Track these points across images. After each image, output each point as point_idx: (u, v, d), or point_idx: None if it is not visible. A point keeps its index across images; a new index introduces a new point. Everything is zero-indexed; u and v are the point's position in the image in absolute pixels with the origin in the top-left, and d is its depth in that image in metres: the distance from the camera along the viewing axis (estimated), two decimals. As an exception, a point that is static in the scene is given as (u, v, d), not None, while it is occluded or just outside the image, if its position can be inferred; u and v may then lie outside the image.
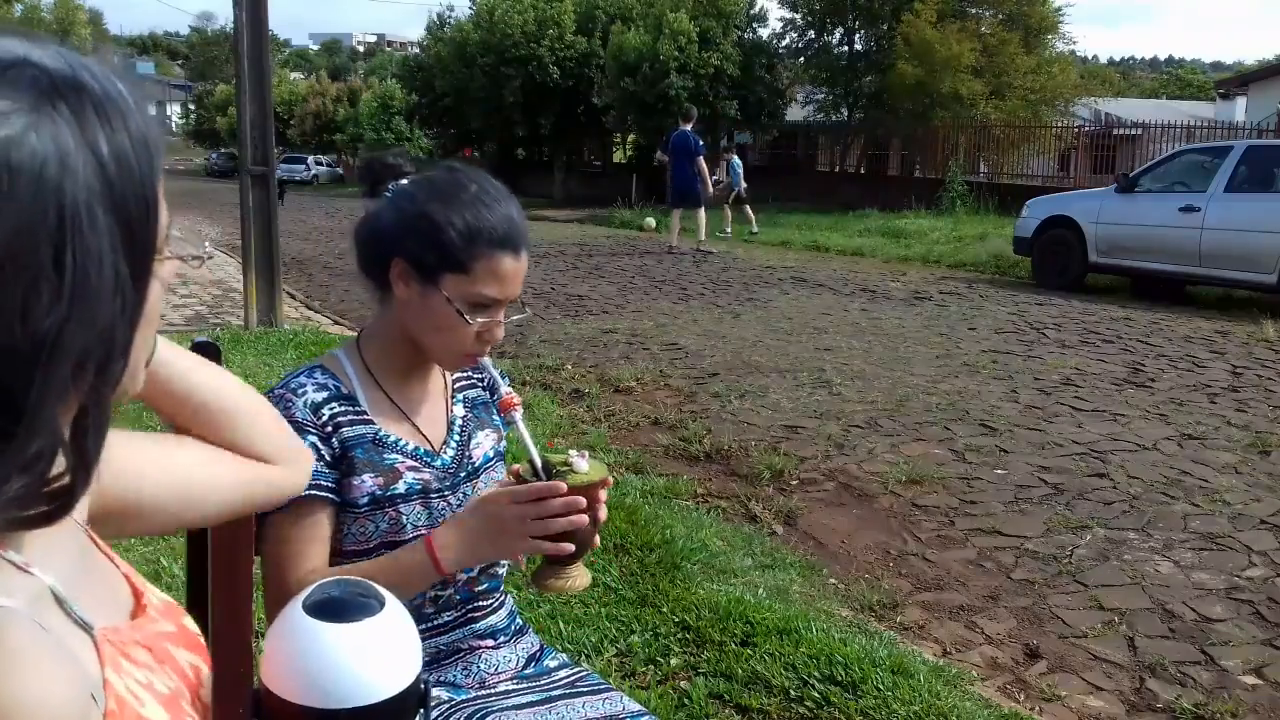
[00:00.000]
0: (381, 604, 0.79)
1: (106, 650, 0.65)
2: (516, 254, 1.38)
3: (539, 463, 1.33)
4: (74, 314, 0.55)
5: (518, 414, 1.39)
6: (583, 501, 1.31)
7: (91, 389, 0.60)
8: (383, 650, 0.78)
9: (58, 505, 0.61)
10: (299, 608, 0.78)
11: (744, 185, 17.37)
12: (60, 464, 0.60)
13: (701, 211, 14.19)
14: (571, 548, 1.32)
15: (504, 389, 1.43)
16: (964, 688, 2.75)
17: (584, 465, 1.34)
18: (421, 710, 0.82)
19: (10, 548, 0.62)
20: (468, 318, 1.36)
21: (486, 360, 1.64)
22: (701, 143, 14.37)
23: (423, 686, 0.81)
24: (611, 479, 1.40)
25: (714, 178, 15.82)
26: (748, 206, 17.43)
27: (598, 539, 1.42)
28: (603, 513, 1.39)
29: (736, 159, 17.80)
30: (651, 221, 18.29)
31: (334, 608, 0.78)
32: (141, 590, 0.77)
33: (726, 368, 6.95)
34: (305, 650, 0.76)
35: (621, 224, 19.49)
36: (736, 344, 7.82)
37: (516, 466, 1.43)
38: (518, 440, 1.40)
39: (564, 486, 1.28)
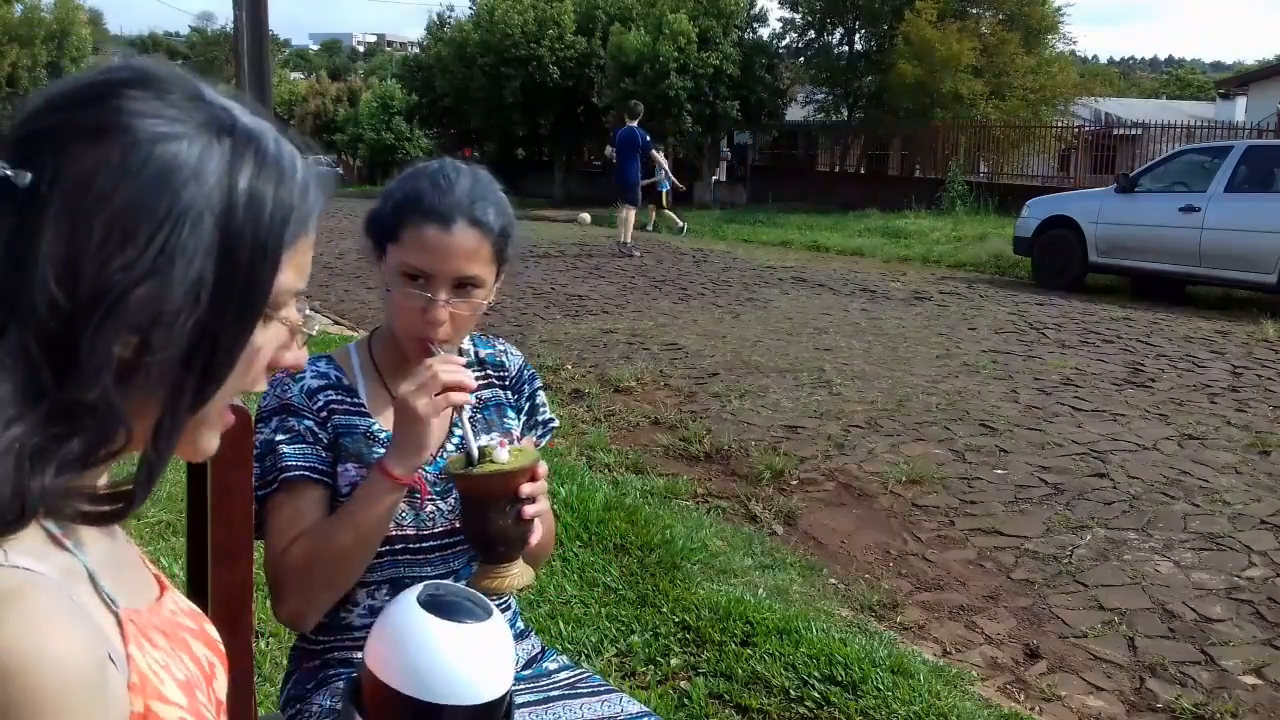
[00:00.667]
0: (489, 613, 0.82)
1: (130, 629, 0.68)
2: (445, 226, 1.35)
3: (475, 454, 1.31)
4: (144, 283, 0.62)
5: (465, 412, 1.35)
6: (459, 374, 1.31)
7: (169, 401, 0.66)
8: (485, 656, 0.81)
9: (119, 508, 0.67)
10: (412, 599, 0.81)
11: (669, 185, 17.64)
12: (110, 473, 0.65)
13: (633, 211, 14.37)
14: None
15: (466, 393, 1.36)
16: (964, 688, 2.75)
17: (503, 455, 1.31)
18: None
19: (51, 521, 0.66)
20: (389, 285, 1.37)
21: (517, 358, 1.63)
22: (649, 138, 14.55)
23: (508, 702, 0.83)
24: (541, 468, 1.35)
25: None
26: (666, 210, 17.68)
27: (535, 536, 1.35)
28: (531, 508, 1.32)
29: (663, 158, 18.00)
30: (586, 217, 18.50)
31: (445, 607, 0.81)
32: (166, 586, 0.82)
33: (726, 368, 6.95)
34: (412, 641, 0.80)
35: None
36: (736, 344, 7.82)
37: (452, 455, 1.43)
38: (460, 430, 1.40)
39: (451, 358, 1.34)
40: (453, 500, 1.46)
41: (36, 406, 0.60)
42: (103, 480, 0.71)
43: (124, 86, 0.65)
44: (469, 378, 1.33)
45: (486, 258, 1.38)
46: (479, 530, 1.34)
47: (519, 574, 1.34)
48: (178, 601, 0.82)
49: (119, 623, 0.68)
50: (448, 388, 1.30)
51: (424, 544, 1.45)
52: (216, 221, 0.65)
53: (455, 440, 1.49)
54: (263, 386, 0.76)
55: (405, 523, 1.42)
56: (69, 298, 0.61)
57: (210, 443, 0.75)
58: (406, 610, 0.80)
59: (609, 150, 16.73)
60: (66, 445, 0.61)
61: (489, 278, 1.40)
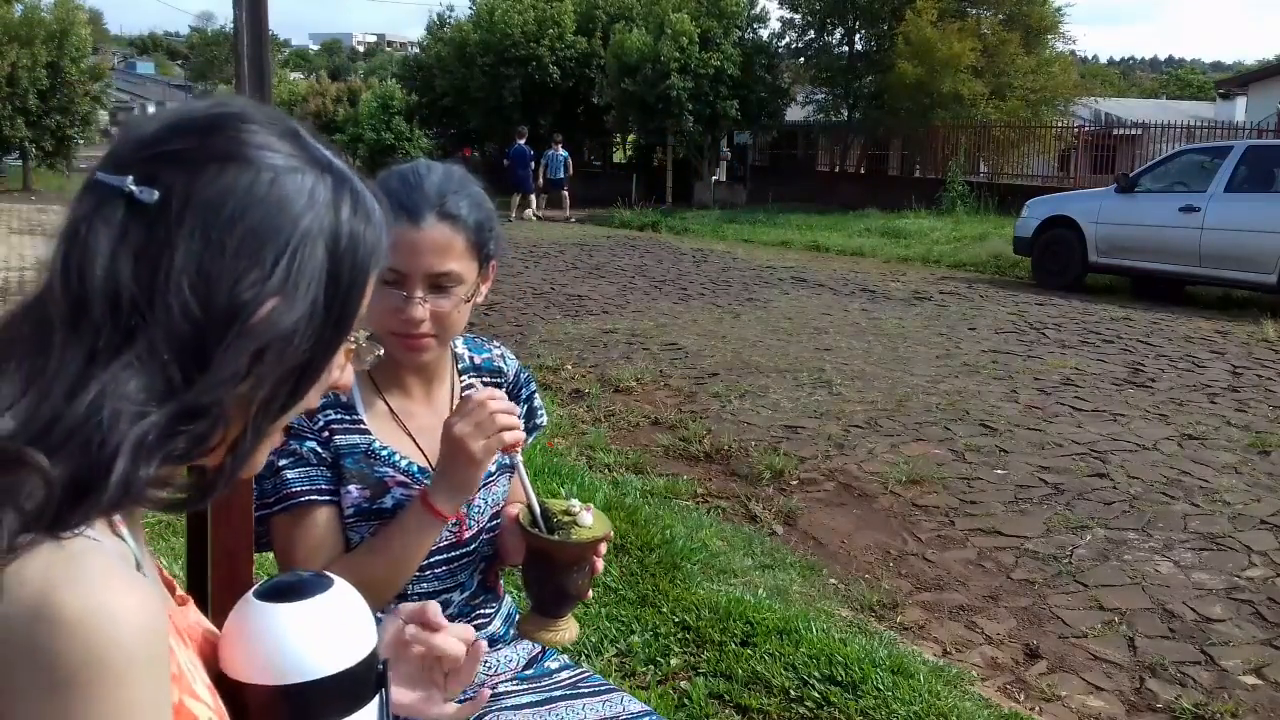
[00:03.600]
0: (330, 585, 0.81)
1: (168, 623, 0.69)
2: (414, 221, 1.30)
3: (538, 510, 1.32)
4: (272, 302, 0.68)
5: (519, 457, 1.35)
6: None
7: (261, 405, 0.70)
8: (330, 626, 0.79)
9: (195, 495, 0.72)
10: (249, 594, 0.81)
11: (559, 178, 21.09)
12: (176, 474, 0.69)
13: (533, 196, 20.74)
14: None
15: (520, 438, 1.38)
16: (964, 688, 2.75)
17: (588, 519, 1.32)
18: (381, 690, 0.83)
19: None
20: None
21: (513, 362, 1.61)
22: (531, 152, 20.66)
23: (380, 666, 0.82)
24: (612, 533, 1.38)
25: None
26: (559, 195, 21.13)
27: (590, 591, 1.39)
28: (599, 565, 1.37)
29: (558, 153, 21.26)
30: (530, 214, 20.78)
31: (281, 590, 0.81)
32: (187, 600, 0.83)
33: (726, 368, 6.95)
34: (253, 631, 0.79)
35: (621, 224, 19.49)
36: (736, 344, 7.82)
37: (515, 511, 1.40)
38: (520, 483, 1.38)
39: (500, 393, 1.31)
40: (460, 513, 1.44)
41: (164, 404, 0.65)
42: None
43: (241, 120, 0.71)
44: (517, 414, 1.31)
45: (462, 252, 1.34)
46: (556, 588, 1.34)
47: (570, 627, 1.37)
48: (200, 619, 0.84)
49: None
50: (503, 428, 1.28)
51: (430, 558, 1.43)
52: (326, 248, 0.71)
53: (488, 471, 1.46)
54: (316, 403, 0.79)
55: None
56: (202, 307, 0.66)
57: (262, 458, 0.78)
58: (242, 604, 0.81)
59: (506, 160, 20.97)
60: (175, 442, 0.65)
61: (468, 274, 1.35)
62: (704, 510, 4.22)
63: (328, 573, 0.83)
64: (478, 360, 1.56)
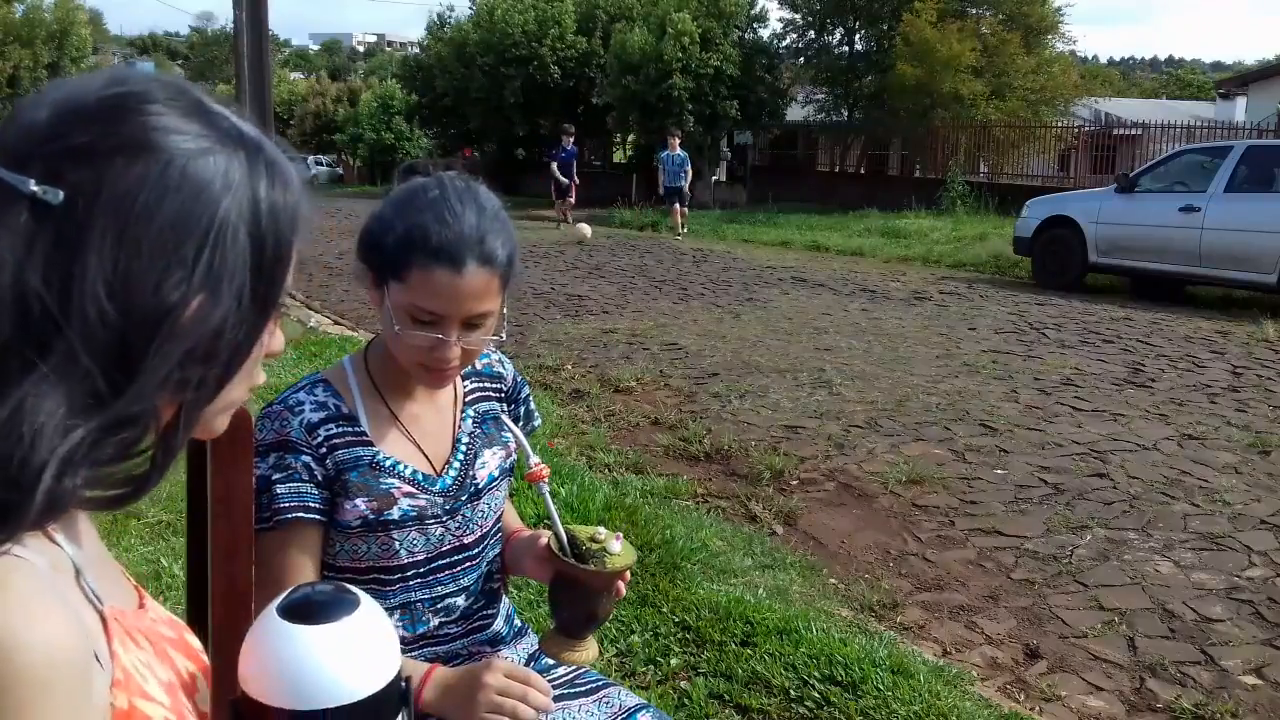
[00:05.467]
0: (357, 604, 0.80)
1: (114, 626, 0.68)
2: (456, 268, 1.28)
3: (564, 538, 1.34)
4: (198, 300, 0.65)
5: (545, 487, 1.37)
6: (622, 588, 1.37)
7: (191, 394, 0.68)
8: (357, 650, 0.78)
9: (129, 491, 0.69)
10: (273, 610, 0.79)
11: (678, 185, 17.87)
12: (133, 464, 0.68)
13: (569, 199, 19.34)
14: None
15: (534, 459, 1.40)
16: (964, 688, 2.75)
17: (617, 547, 1.35)
18: (404, 709, 0.82)
19: None
20: (396, 326, 1.32)
21: (509, 367, 1.62)
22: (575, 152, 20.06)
23: (403, 685, 0.82)
24: (636, 559, 1.41)
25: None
26: (678, 206, 18.03)
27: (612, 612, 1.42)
28: (623, 590, 1.39)
29: (674, 154, 17.95)
30: (586, 229, 17.82)
31: (308, 609, 0.79)
32: (142, 591, 0.81)
33: (726, 368, 6.95)
34: (278, 652, 0.77)
35: (621, 224, 19.49)
36: (736, 344, 7.82)
37: (545, 540, 1.40)
38: (545, 513, 1.41)
39: (549, 698, 1.27)
40: (461, 518, 1.44)
41: (91, 416, 0.62)
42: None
43: (142, 101, 0.67)
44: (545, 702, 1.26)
45: (495, 291, 1.33)
46: (585, 613, 1.37)
47: (592, 646, 1.39)
48: (157, 611, 0.82)
49: (103, 620, 0.67)
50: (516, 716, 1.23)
51: (434, 564, 1.43)
52: (248, 231, 0.68)
53: (459, 459, 1.46)
54: (262, 378, 0.78)
55: (416, 549, 1.40)
56: (122, 311, 0.62)
57: (222, 424, 0.76)
58: (266, 620, 0.79)
59: (555, 163, 19.50)
60: (103, 451, 0.63)
61: (498, 305, 1.36)
62: (704, 510, 4.22)
63: (354, 589, 0.82)
64: (478, 365, 1.57)
